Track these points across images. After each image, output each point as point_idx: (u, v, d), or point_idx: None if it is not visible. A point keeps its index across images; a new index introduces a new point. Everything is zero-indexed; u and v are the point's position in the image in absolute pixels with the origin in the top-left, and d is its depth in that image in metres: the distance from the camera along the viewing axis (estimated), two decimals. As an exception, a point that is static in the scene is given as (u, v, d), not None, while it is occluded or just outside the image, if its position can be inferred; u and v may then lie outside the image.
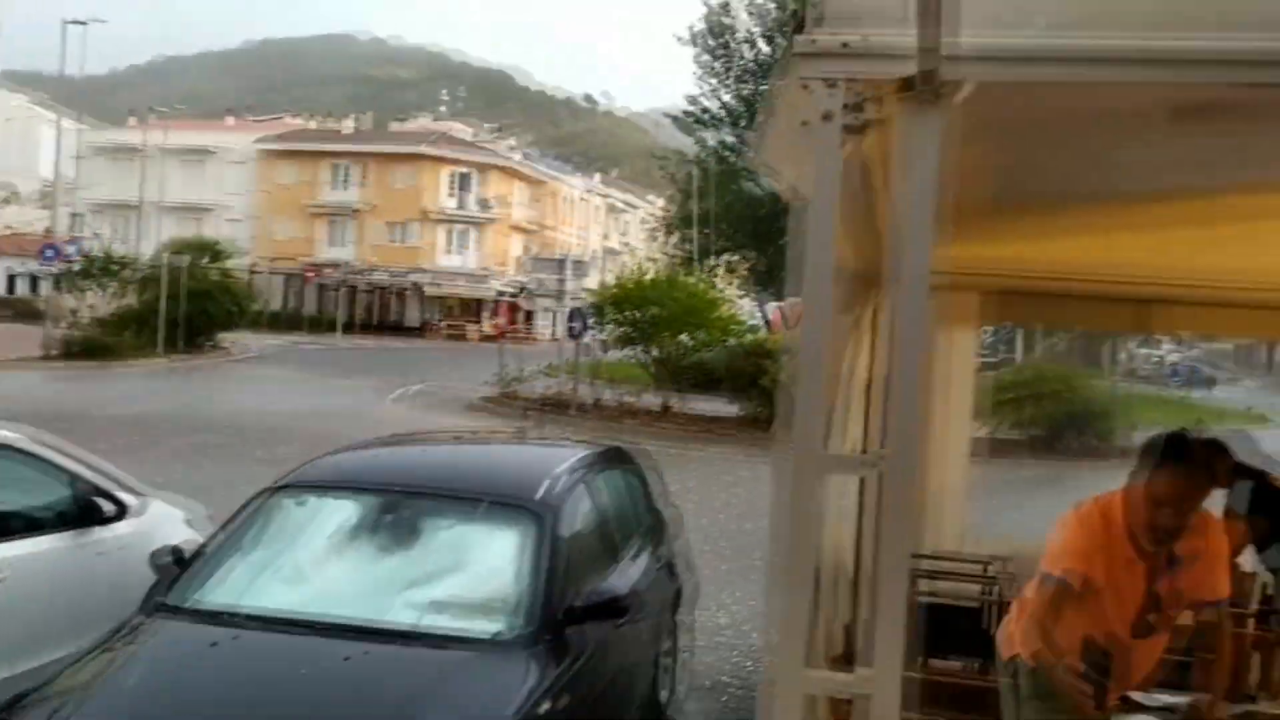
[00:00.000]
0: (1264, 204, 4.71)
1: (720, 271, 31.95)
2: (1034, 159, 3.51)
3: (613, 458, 6.50)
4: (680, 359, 24.68)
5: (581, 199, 77.01)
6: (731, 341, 24.52)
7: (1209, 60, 1.91)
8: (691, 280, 27.46)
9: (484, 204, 64.98)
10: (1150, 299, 5.59)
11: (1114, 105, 2.43)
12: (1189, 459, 3.25)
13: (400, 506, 4.97)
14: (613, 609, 4.72)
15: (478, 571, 4.76)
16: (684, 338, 24.67)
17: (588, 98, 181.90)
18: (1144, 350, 47.82)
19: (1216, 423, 29.50)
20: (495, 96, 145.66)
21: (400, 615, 4.44)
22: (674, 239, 34.51)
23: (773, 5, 27.79)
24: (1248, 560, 5.18)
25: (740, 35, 28.69)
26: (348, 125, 72.16)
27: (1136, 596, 3.40)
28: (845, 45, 2.07)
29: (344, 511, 5.04)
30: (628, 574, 5.53)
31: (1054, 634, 3.36)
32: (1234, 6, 1.93)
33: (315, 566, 4.81)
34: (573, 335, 25.36)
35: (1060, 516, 3.50)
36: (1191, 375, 50.50)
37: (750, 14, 28.57)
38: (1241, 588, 4.78)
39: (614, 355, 26.81)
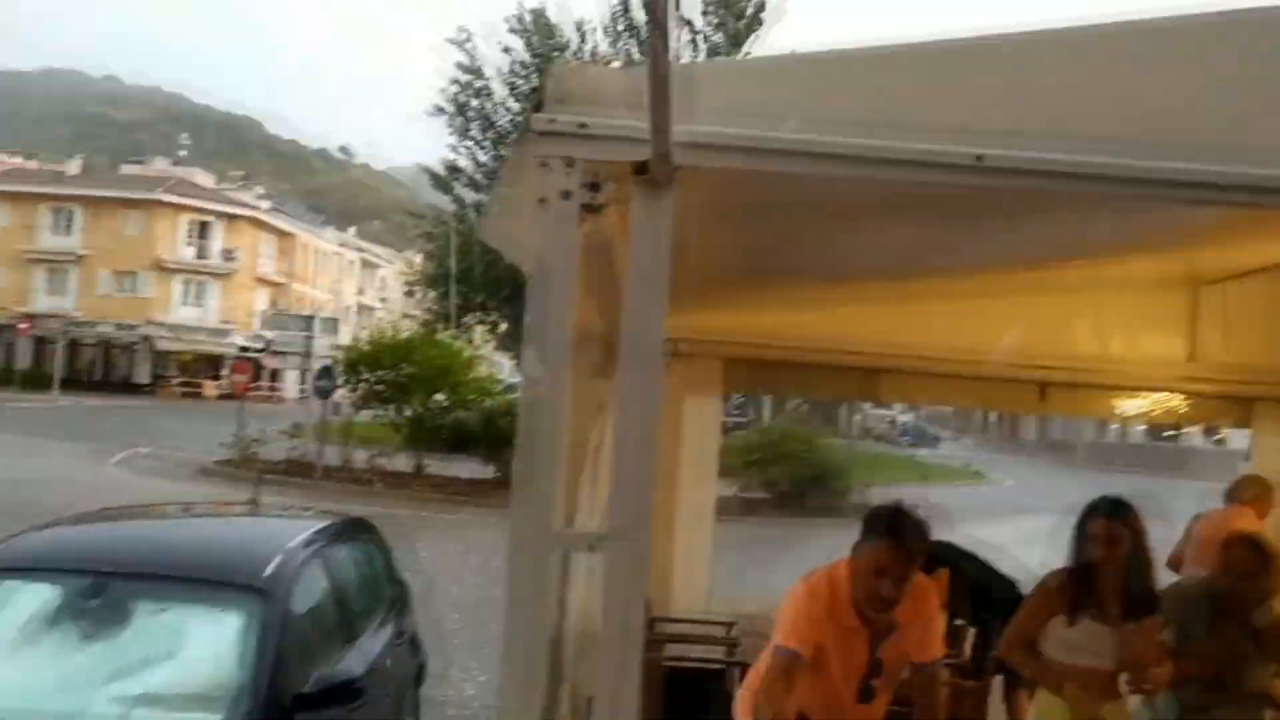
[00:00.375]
0: (967, 286, 5.17)
1: (475, 330, 31.71)
2: (773, 238, 3.66)
3: (351, 529, 6.20)
4: (433, 419, 24.17)
5: (334, 253, 74.71)
6: (486, 402, 24.26)
7: (914, 162, 2.05)
8: (444, 339, 27.08)
9: (226, 254, 61.83)
10: (875, 368, 5.95)
11: (841, 194, 2.55)
12: (905, 530, 3.42)
13: (105, 590, 4.50)
14: (346, 693, 4.46)
15: (194, 660, 4.37)
16: (438, 397, 24.21)
17: (331, 151, 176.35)
18: (879, 410, 51.28)
19: (940, 479, 31.92)
20: (238, 144, 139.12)
21: (101, 712, 4.00)
22: (428, 297, 33.99)
23: (512, 81, 27.98)
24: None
25: (480, 107, 28.72)
26: (73, 166, 66.80)
27: (861, 664, 3.55)
28: (575, 127, 2.09)
29: (38, 597, 4.53)
30: (364, 654, 5.25)
31: (784, 704, 3.43)
32: (935, 116, 2.08)
33: (-2, 662, 4.27)
34: (320, 394, 24.37)
35: (790, 588, 3.60)
36: (919, 435, 54.56)
37: (484, 94, 28.61)
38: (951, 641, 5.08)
39: (364, 416, 25.94)
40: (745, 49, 26.16)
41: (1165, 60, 2.15)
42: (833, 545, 3.80)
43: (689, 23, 25.58)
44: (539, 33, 27.29)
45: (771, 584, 5.76)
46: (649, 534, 2.32)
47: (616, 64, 23.74)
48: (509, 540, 2.13)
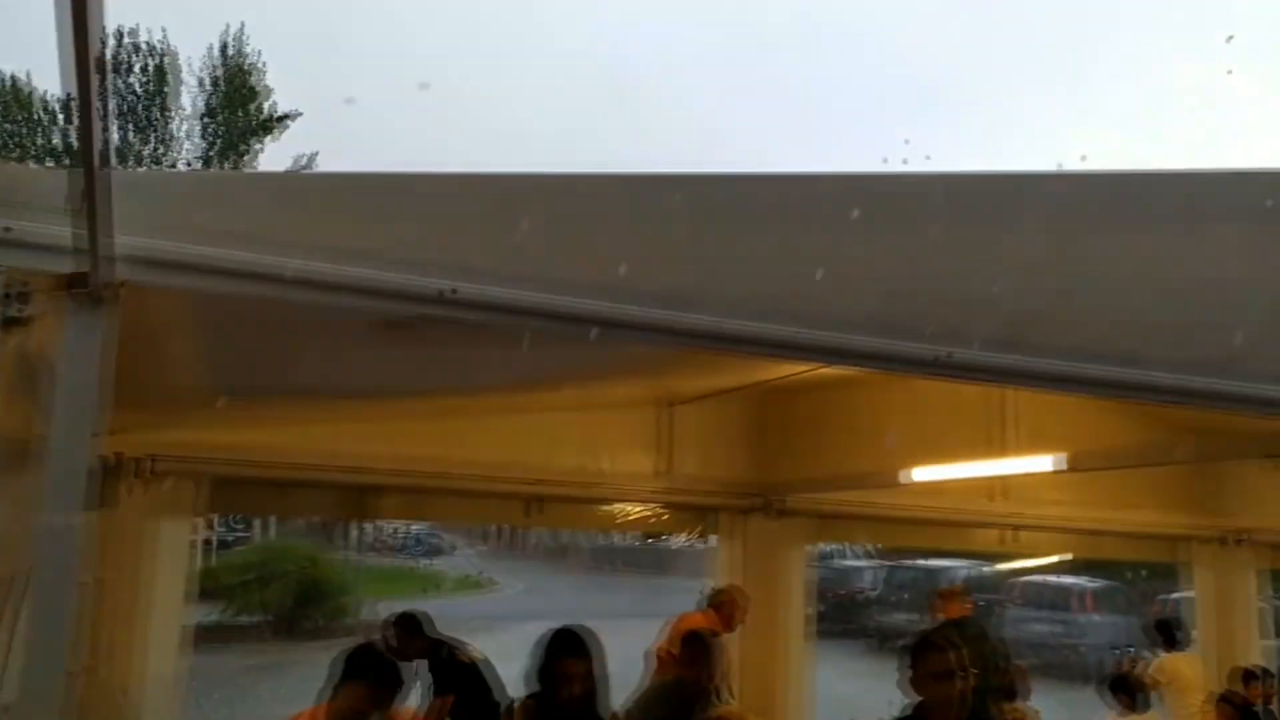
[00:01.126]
0: (460, 404, 5.26)
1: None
2: (253, 354, 3.46)
3: None
4: None
5: None
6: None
7: (384, 292, 2.01)
8: None
9: None
10: (368, 486, 5.81)
11: (316, 316, 2.44)
12: (381, 670, 3.31)
13: None
14: None
15: None
16: None
17: None
18: (381, 521, 49.97)
19: (450, 589, 31.84)
20: None
21: None
22: None
23: None
24: None
25: None
26: None
27: None
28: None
29: None
30: None
31: None
32: (411, 248, 2.06)
33: None
34: None
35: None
36: (430, 544, 54.24)
37: None
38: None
39: None
40: (251, 158, 25.11)
41: (628, 214, 2.32)
42: (324, 673, 3.57)
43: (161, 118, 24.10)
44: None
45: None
46: (64, 696, 1.97)
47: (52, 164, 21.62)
48: None
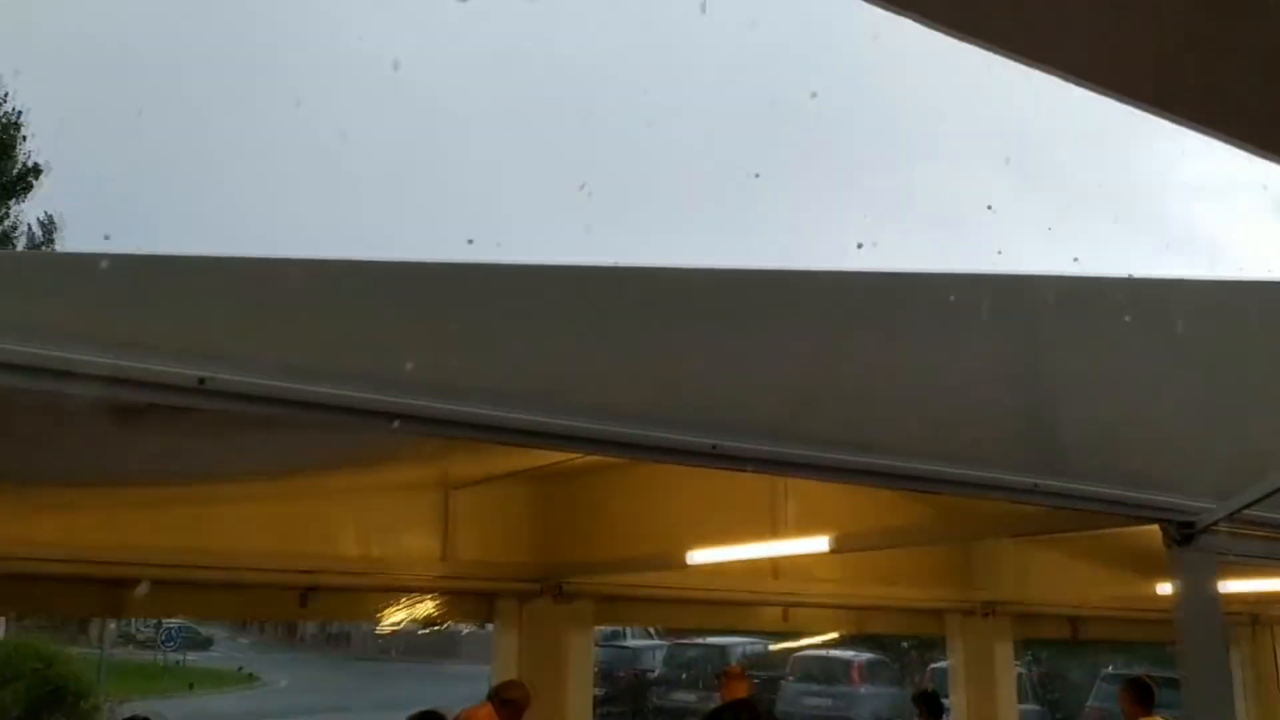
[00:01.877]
0: (222, 492, 4.96)
1: None
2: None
3: None
4: None
5: None
6: None
7: (131, 380, 1.86)
8: None
9: None
10: (121, 580, 5.36)
11: (52, 401, 2.25)
12: None
13: None
14: None
15: None
16: None
17: None
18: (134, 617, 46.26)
19: (209, 685, 29.80)
20: None
21: None
22: None
23: None
24: None
25: None
26: None
27: None
28: None
29: None
30: None
31: None
32: (159, 333, 1.93)
33: None
34: None
35: None
36: (189, 637, 50.39)
37: None
38: None
39: None
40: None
41: (395, 302, 2.26)
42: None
43: None
44: None
45: None
46: None
47: None
48: None
